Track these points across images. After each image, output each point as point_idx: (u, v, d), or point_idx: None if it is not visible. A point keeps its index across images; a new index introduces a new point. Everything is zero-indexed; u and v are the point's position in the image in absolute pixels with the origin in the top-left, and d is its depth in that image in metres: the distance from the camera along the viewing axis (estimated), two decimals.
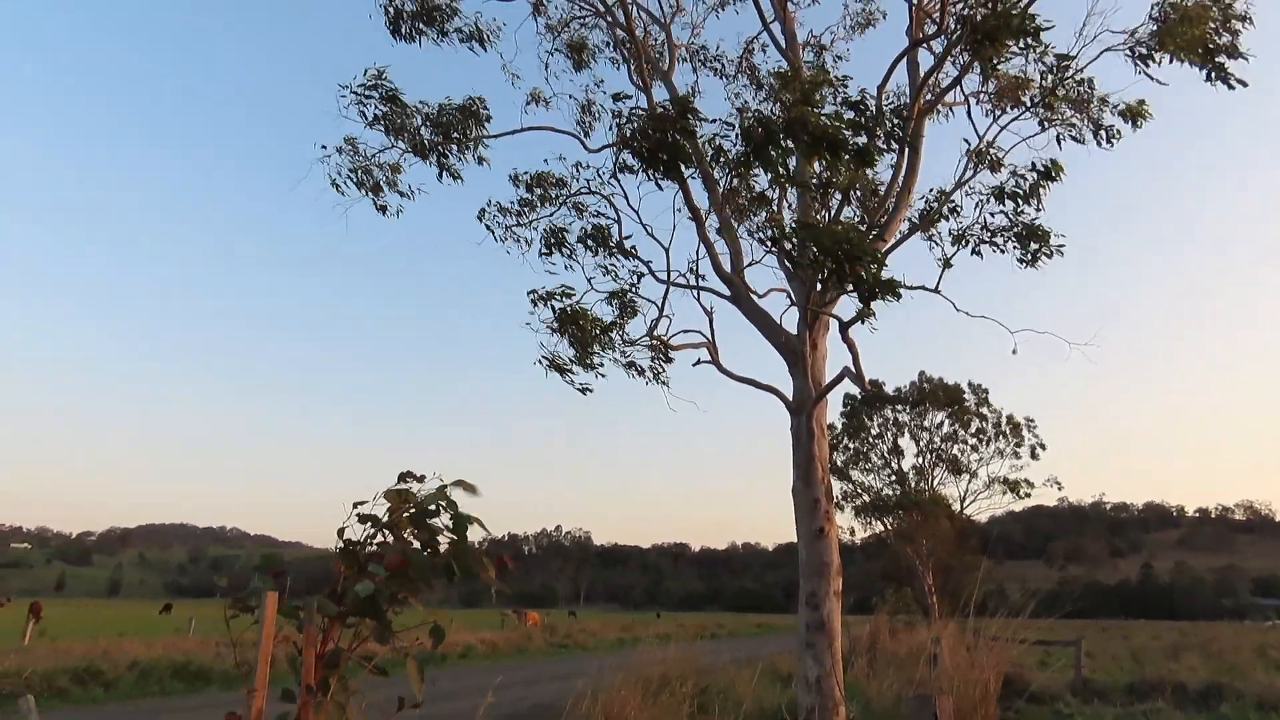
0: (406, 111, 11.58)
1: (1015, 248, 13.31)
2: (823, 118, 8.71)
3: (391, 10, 11.74)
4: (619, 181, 12.43)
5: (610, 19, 13.72)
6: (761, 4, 13.66)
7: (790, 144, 8.95)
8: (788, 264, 11.48)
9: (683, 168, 11.04)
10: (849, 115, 9.24)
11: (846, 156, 9.09)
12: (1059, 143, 14.15)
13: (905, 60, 13.15)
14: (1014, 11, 11.61)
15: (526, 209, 13.24)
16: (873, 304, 8.60)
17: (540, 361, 12.62)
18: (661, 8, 14.63)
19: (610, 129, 11.27)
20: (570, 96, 14.52)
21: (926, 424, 43.20)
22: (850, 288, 8.83)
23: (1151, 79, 13.83)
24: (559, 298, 12.29)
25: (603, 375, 12.76)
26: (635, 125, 9.87)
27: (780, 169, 9.60)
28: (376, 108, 11.32)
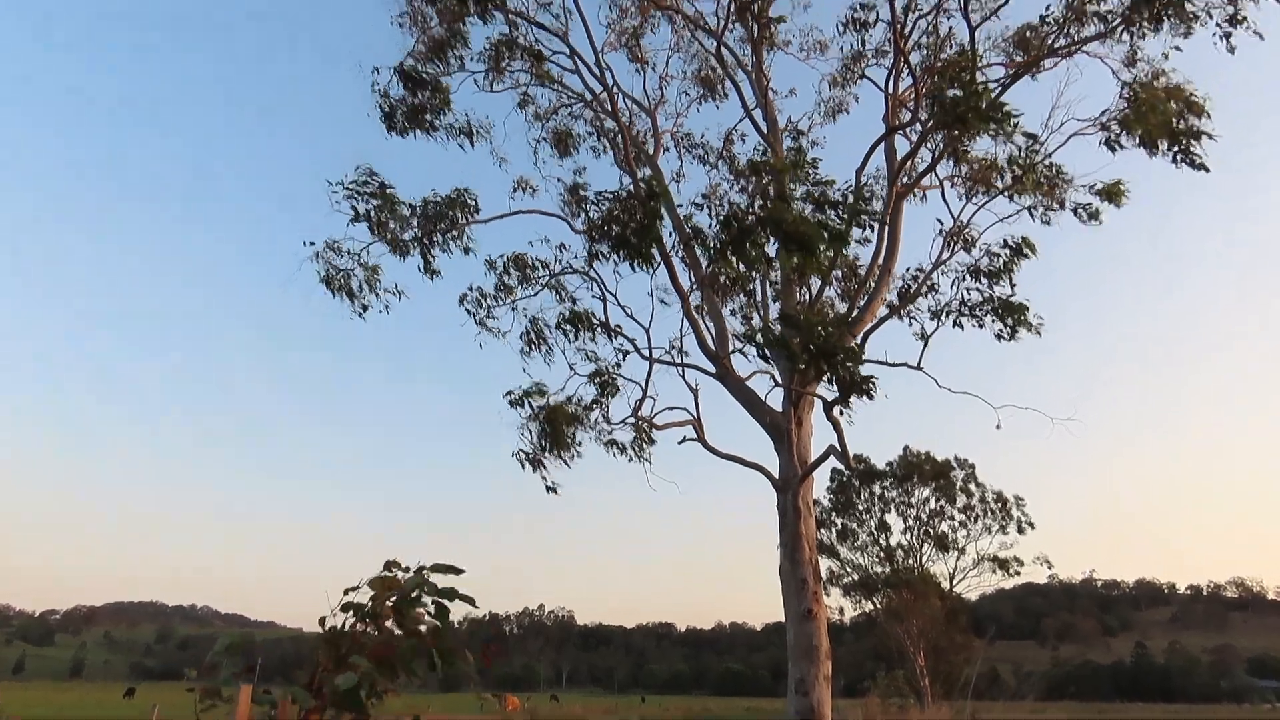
0: (394, 206, 11.92)
1: (994, 322, 13.60)
2: (796, 216, 9.01)
3: (386, 108, 12.18)
4: (595, 267, 12.72)
5: (597, 107, 14.23)
6: (744, 93, 14.26)
7: (766, 237, 9.24)
8: (766, 352, 11.71)
9: (655, 252, 11.37)
10: (825, 216, 9.55)
11: (821, 250, 9.37)
12: (1033, 216, 14.66)
13: (883, 146, 13.68)
14: (983, 94, 12.25)
15: (503, 293, 13.47)
16: (851, 397, 8.77)
17: (517, 455, 12.70)
18: (647, 96, 15.23)
19: (581, 217, 11.68)
20: (558, 179, 14.94)
21: (913, 500, 43.01)
22: (828, 380, 9.02)
23: (1118, 149, 14.48)
24: (535, 396, 12.48)
25: (579, 455, 12.80)
26: (603, 211, 10.19)
27: (756, 262, 9.89)
28: (365, 202, 11.68)
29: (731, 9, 14.13)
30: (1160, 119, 13.12)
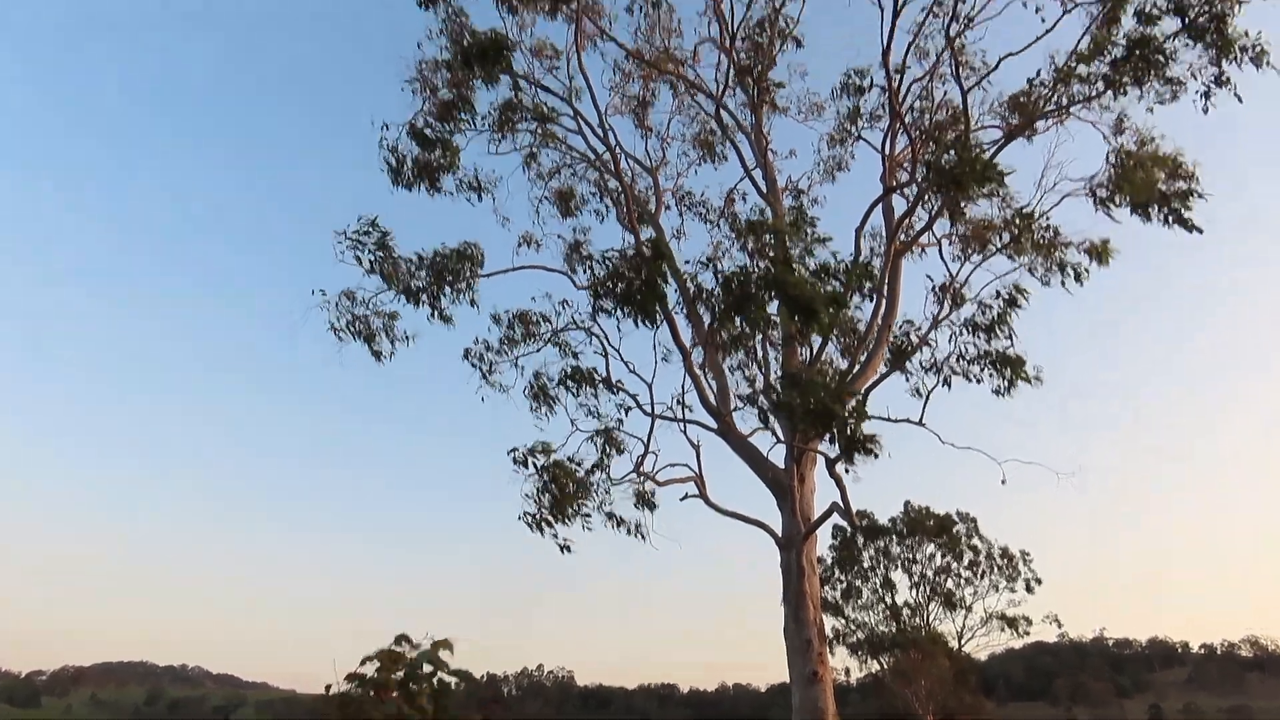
0: (393, 254, 12.14)
1: (991, 376, 13.62)
2: (800, 280, 9.17)
3: (393, 161, 12.49)
4: (599, 323, 12.84)
5: (600, 167, 14.56)
6: (744, 154, 14.60)
7: (769, 299, 9.38)
8: (768, 409, 11.77)
9: (658, 309, 11.51)
10: (826, 282, 9.71)
11: (824, 313, 9.51)
12: (1034, 275, 14.82)
13: (881, 205, 13.94)
14: (977, 158, 12.55)
15: (508, 347, 13.57)
16: (853, 456, 8.81)
17: (523, 517, 12.59)
18: (649, 157, 15.58)
19: (585, 273, 11.82)
20: (559, 236, 15.17)
21: (918, 556, 42.45)
22: (830, 440, 9.07)
23: (1111, 217, 14.71)
24: (539, 454, 12.44)
25: (589, 529, 12.68)
26: (608, 269, 10.36)
27: (757, 323, 10.02)
28: (369, 253, 11.89)
29: (731, 74, 14.57)
30: (1147, 183, 13.38)
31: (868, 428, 12.97)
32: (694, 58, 15.79)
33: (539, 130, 13.86)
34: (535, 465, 12.43)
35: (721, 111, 14.58)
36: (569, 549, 12.58)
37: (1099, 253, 14.65)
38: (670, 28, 15.52)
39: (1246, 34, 11.52)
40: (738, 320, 10.11)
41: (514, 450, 12.47)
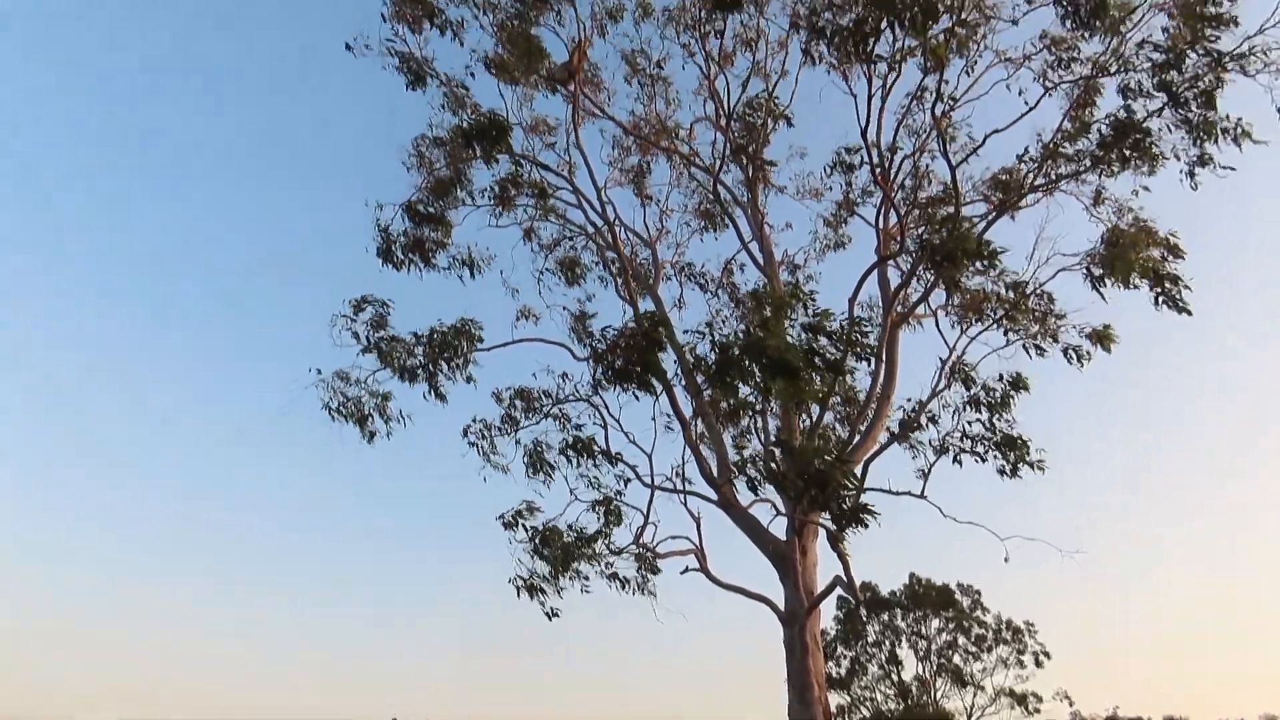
0: (395, 341, 12.27)
1: (995, 457, 13.54)
2: (778, 343, 9.23)
3: (383, 242, 12.70)
4: (600, 394, 12.86)
5: (599, 240, 14.81)
6: (740, 227, 14.88)
7: (752, 365, 9.43)
8: (758, 478, 11.70)
9: (655, 381, 11.53)
10: (815, 341, 9.77)
11: (811, 377, 9.54)
12: (1028, 353, 14.87)
13: (877, 276, 14.12)
14: (967, 234, 12.76)
15: (508, 424, 13.53)
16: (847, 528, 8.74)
17: (515, 581, 12.34)
18: (648, 229, 15.87)
19: (585, 346, 11.88)
20: (563, 309, 15.29)
21: (924, 630, 41.46)
22: (825, 513, 9.01)
23: (1103, 297, 14.83)
24: (527, 515, 12.32)
25: (588, 591, 12.44)
26: (606, 343, 10.44)
27: (730, 390, 10.05)
28: (367, 332, 12.02)
29: (727, 151, 14.96)
30: (1136, 261, 13.56)
31: (865, 498, 12.98)
32: (690, 134, 16.27)
33: (538, 205, 14.14)
34: (526, 527, 12.27)
35: (718, 186, 14.92)
36: (555, 615, 12.32)
37: (1101, 338, 14.62)
38: (669, 98, 16.04)
39: (1228, 116, 11.90)
40: (721, 389, 10.11)
41: (503, 515, 12.34)
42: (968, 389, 13.37)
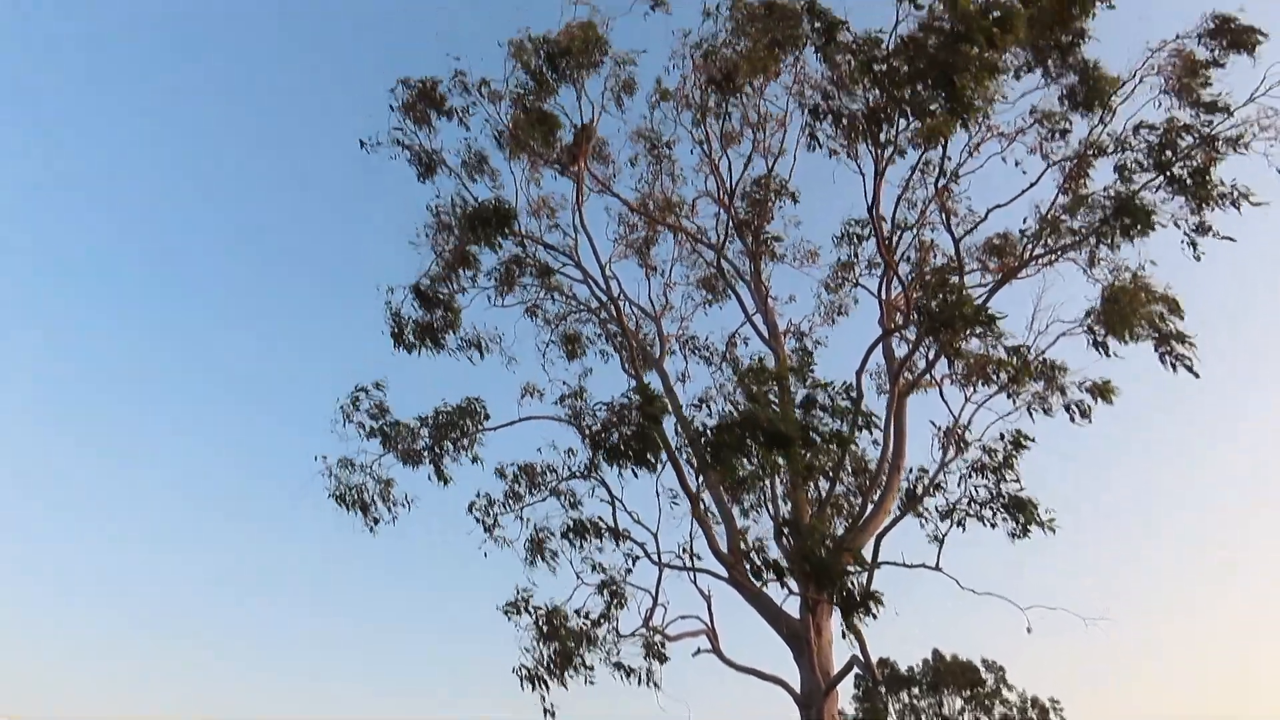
0: (399, 426, 12.36)
1: (1005, 520, 13.29)
2: (771, 416, 9.21)
3: (395, 326, 12.94)
4: (600, 473, 12.75)
5: (603, 314, 14.93)
6: (744, 300, 14.99)
7: (748, 438, 9.39)
8: (761, 566, 11.52)
9: (656, 457, 11.45)
10: (809, 414, 9.76)
11: (807, 451, 9.50)
12: (1030, 414, 14.76)
13: (882, 346, 14.16)
14: (966, 302, 12.83)
15: (512, 500, 13.41)
16: (857, 613, 8.56)
17: (518, 670, 11.96)
18: (652, 303, 16.00)
19: (587, 421, 11.87)
20: (564, 383, 15.27)
21: (946, 710, 39.87)
22: (831, 599, 8.84)
23: (1106, 356, 14.79)
24: (523, 603, 12.07)
25: (592, 683, 12.03)
26: (600, 421, 10.43)
27: (731, 467, 10.00)
28: (369, 420, 12.14)
29: (730, 226, 15.20)
30: (1137, 317, 13.60)
31: (879, 574, 12.64)
32: (693, 209, 16.57)
33: (542, 283, 14.34)
34: (531, 614, 11.99)
35: (722, 262, 15.12)
36: (553, 714, 11.81)
37: (1101, 391, 14.64)
38: (674, 174, 16.39)
39: (1222, 182, 12.07)
40: (723, 465, 10.03)
41: (507, 605, 12.08)
42: (961, 451, 13.22)
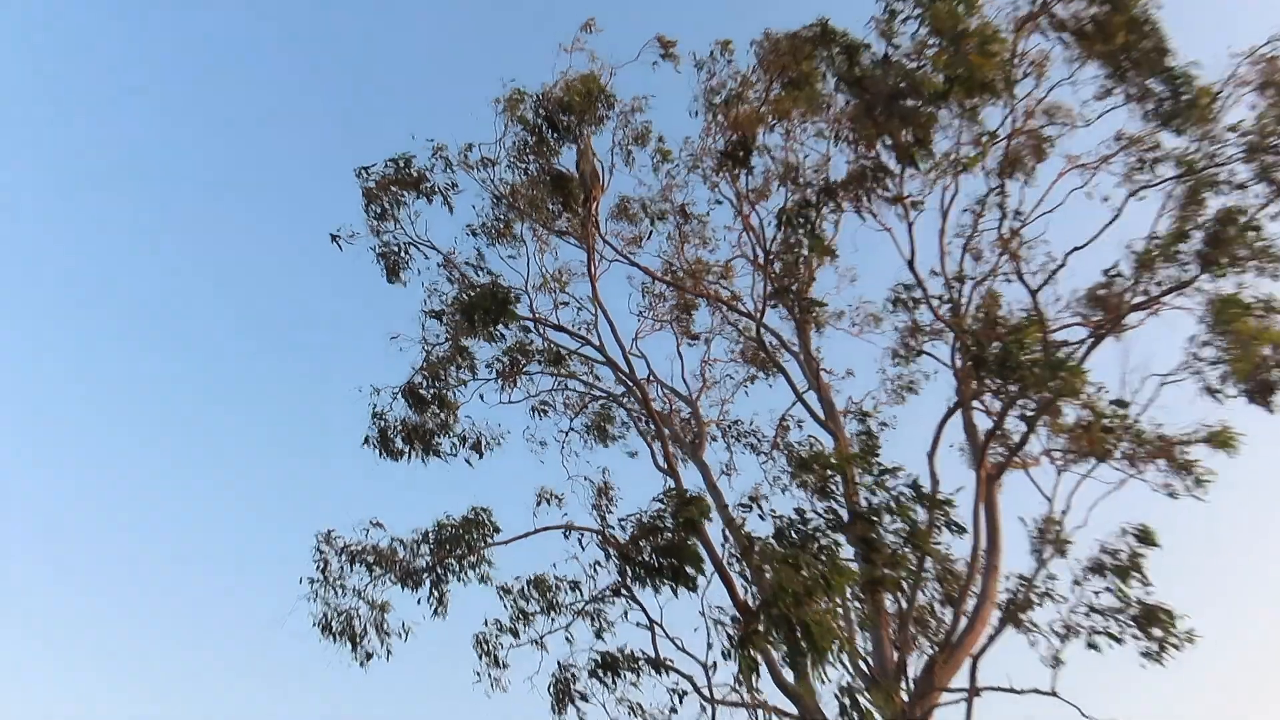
0: (395, 546, 10.56)
1: (1135, 636, 10.99)
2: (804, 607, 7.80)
3: (378, 434, 11.23)
4: (634, 592, 10.66)
5: (629, 402, 13.01)
6: (792, 377, 12.94)
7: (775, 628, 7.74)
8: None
9: (697, 571, 9.66)
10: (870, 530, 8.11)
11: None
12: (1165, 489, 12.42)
13: (964, 424, 12.03)
14: (1065, 361, 10.88)
15: (521, 621, 11.28)
16: None
17: None
18: (687, 385, 13.96)
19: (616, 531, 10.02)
20: (585, 478, 13.23)
21: None
22: None
23: (1220, 401, 12.52)
24: None
25: None
26: (628, 532, 8.64)
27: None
28: (361, 560, 10.42)
29: (769, 291, 13.25)
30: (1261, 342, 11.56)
31: (982, 702, 10.37)
32: (726, 271, 14.75)
33: (555, 373, 12.54)
34: None
35: (762, 332, 13.12)
36: None
37: (1222, 441, 12.32)
38: (704, 237, 14.67)
39: None
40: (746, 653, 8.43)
41: None
42: (1060, 550, 11.06)
